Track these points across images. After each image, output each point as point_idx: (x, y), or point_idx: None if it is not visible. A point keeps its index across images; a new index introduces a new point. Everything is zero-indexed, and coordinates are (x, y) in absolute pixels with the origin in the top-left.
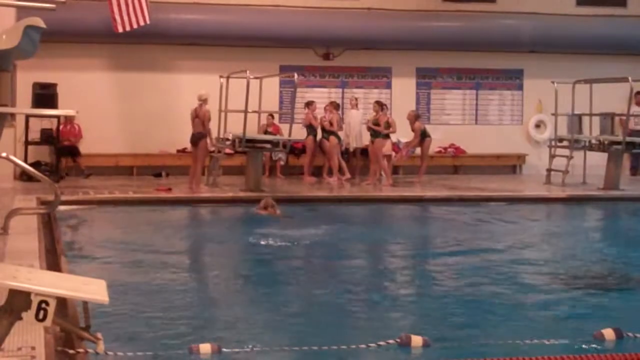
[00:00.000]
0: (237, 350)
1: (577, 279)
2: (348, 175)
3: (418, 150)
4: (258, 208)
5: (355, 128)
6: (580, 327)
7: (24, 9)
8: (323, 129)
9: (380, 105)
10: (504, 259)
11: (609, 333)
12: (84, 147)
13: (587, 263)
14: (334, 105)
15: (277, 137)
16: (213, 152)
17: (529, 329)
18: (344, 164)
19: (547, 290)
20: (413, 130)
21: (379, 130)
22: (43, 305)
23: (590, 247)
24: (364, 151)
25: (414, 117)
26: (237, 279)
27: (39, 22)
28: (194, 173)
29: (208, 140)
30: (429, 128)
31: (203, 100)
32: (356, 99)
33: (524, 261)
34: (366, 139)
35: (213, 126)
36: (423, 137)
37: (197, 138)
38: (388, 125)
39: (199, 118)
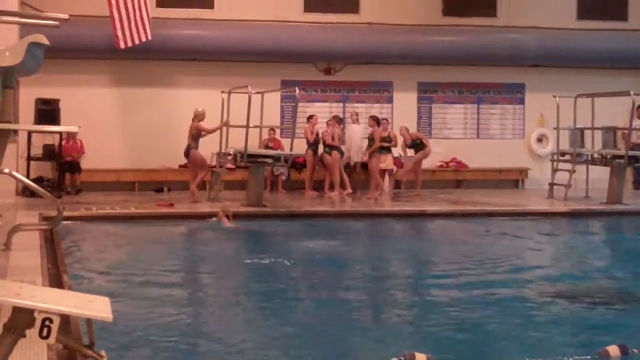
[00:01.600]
0: None
1: (581, 295)
2: (349, 190)
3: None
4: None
5: (356, 143)
6: (585, 343)
7: (28, 26)
8: (325, 144)
9: (375, 121)
10: (507, 274)
11: (614, 350)
12: (86, 163)
13: (590, 279)
14: (337, 120)
15: (279, 152)
16: (214, 167)
17: (533, 346)
18: (346, 178)
19: (550, 307)
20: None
21: (387, 145)
22: (47, 322)
23: (594, 262)
24: (365, 166)
25: (407, 132)
26: (239, 297)
27: (43, 40)
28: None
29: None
30: (431, 142)
31: (197, 116)
32: (357, 113)
33: (527, 277)
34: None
35: (215, 141)
36: (417, 148)
37: (187, 151)
38: (390, 139)
39: (189, 132)
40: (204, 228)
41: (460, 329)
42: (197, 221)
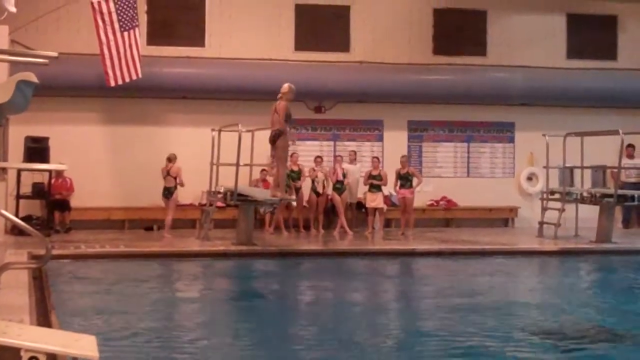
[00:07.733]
0: None
1: (569, 334)
2: (321, 231)
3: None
4: None
5: (352, 182)
6: None
7: (17, 63)
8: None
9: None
10: (496, 314)
11: None
12: (75, 201)
13: (578, 317)
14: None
15: (268, 191)
16: (205, 205)
17: None
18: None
19: (538, 346)
20: (411, 172)
21: (377, 183)
22: None
23: (582, 300)
24: (360, 205)
25: (407, 160)
26: (225, 337)
27: (32, 77)
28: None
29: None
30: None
31: (172, 160)
32: (355, 152)
33: (516, 317)
34: (361, 192)
35: (204, 179)
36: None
37: (171, 192)
38: (380, 177)
39: (171, 175)
40: (193, 266)
41: None
42: (187, 259)
